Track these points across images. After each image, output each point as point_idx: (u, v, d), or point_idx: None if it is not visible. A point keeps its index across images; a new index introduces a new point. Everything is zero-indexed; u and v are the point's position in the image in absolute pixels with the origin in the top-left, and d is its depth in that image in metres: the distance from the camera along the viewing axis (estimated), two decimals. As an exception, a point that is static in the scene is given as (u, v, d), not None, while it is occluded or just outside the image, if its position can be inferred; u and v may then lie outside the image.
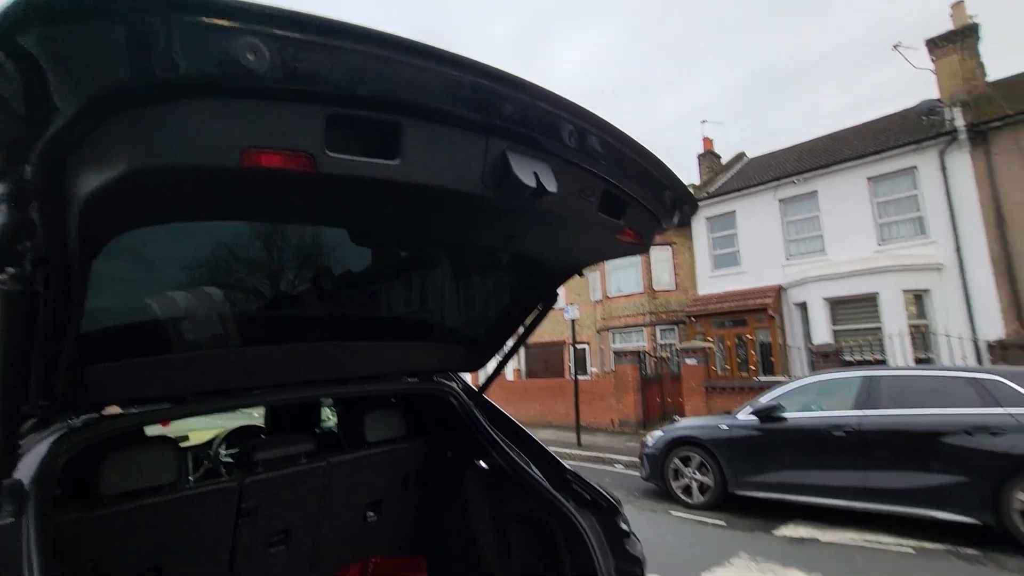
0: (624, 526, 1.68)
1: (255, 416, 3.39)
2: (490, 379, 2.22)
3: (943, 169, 11.42)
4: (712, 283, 15.10)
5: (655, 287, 16.28)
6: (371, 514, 2.13)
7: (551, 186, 0.98)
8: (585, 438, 11.04)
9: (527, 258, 1.59)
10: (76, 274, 0.88)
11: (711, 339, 13.57)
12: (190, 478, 2.05)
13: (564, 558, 1.70)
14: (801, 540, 4.59)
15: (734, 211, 14.84)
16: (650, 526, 5.12)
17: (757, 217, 14.32)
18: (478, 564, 1.98)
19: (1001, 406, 4.27)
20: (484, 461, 2.02)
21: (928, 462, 4.46)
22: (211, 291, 1.39)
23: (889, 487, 4.60)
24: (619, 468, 8.33)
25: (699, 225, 15.48)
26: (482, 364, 2.16)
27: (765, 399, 5.72)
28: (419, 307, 1.84)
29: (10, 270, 0.78)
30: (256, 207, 1.05)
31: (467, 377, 2.30)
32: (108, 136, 0.65)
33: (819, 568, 3.92)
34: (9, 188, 0.71)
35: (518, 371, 19.82)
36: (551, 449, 2.00)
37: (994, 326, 10.20)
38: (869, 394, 4.99)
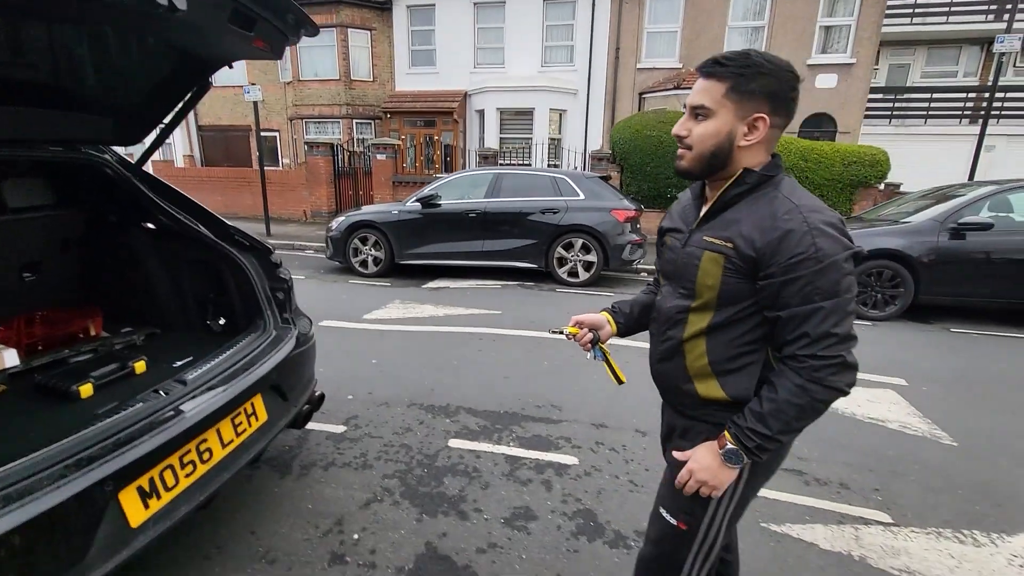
0: (275, 261, 2.41)
1: None
2: (145, 154, 2.43)
3: (593, 7, 13.77)
4: (408, 80, 15.43)
5: (353, 76, 15.60)
6: (27, 275, 2.29)
7: (182, 5, 1.35)
8: (276, 228, 11.22)
9: (176, 48, 1.85)
10: None
11: (404, 137, 14.50)
12: None
13: (230, 287, 2.35)
14: (438, 289, 6.48)
15: (434, 4, 14.75)
16: (332, 291, 6.29)
17: (454, 16, 14.66)
18: (154, 303, 2.47)
19: (561, 195, 6.61)
20: (151, 223, 2.37)
21: (519, 232, 6.68)
22: None
23: (496, 249, 6.78)
24: (309, 253, 9.09)
25: (400, 14, 14.94)
26: (137, 140, 2.34)
27: (427, 190, 7.09)
28: (69, 78, 1.85)
29: None
30: None
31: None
32: None
33: (443, 303, 5.77)
34: None
35: (190, 158, 17.04)
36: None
37: (597, 142, 14.18)
38: (495, 187, 6.85)
